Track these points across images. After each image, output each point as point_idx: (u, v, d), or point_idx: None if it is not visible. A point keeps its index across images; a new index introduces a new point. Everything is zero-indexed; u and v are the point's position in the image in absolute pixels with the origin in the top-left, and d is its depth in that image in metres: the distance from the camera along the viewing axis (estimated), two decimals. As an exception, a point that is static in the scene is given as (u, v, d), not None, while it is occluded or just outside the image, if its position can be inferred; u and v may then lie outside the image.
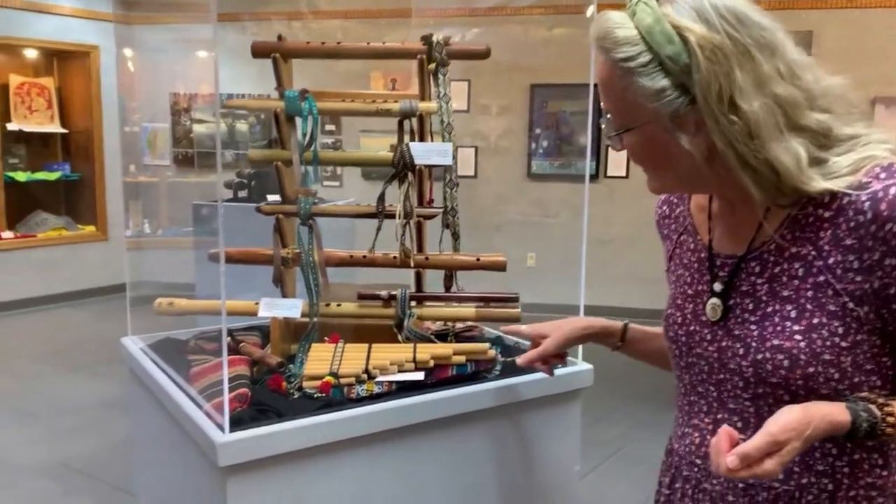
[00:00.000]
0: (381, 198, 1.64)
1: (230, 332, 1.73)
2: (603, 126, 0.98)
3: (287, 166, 1.68)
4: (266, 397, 1.42)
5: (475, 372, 1.55)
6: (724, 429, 0.85)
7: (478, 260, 1.68)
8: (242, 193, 4.70)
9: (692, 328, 1.03)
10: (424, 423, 1.43)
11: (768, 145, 0.86)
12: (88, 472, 3.40)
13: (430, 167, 1.71)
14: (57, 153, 6.99)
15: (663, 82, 0.88)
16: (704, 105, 0.86)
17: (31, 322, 6.09)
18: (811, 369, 0.91)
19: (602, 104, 0.96)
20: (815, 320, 0.91)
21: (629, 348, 1.30)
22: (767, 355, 0.93)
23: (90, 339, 5.47)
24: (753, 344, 0.95)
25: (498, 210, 6.20)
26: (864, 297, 0.89)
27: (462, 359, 1.54)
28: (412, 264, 1.68)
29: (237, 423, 1.28)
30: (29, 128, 6.57)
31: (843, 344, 0.90)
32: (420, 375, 1.48)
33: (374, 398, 1.43)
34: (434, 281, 1.77)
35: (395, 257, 1.67)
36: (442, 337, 1.71)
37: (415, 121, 1.68)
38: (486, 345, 1.60)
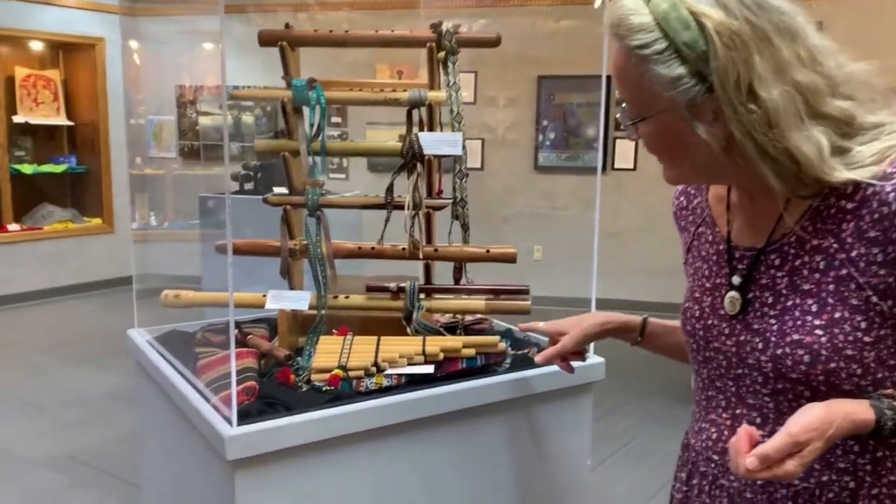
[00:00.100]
0: (390, 188, 1.62)
1: (237, 325, 1.71)
2: (618, 115, 0.95)
3: (294, 157, 1.66)
4: (274, 390, 1.40)
5: (485, 365, 1.53)
6: (744, 428, 0.82)
7: (488, 252, 1.66)
8: (248, 186, 4.69)
9: (710, 322, 1.01)
10: (434, 416, 1.42)
11: (788, 134, 0.84)
12: (94, 465, 3.39)
13: (439, 158, 1.69)
14: (63, 146, 6.99)
15: (679, 70, 0.85)
16: (722, 93, 0.84)
17: (37, 314, 6.10)
18: (832, 365, 0.88)
19: (617, 93, 0.94)
20: (837, 314, 0.88)
21: (648, 343, 1.27)
22: (787, 350, 0.91)
23: (96, 331, 5.47)
24: (773, 338, 0.93)
25: (504, 202, 6.18)
26: (888, 290, 0.86)
27: (472, 352, 1.53)
28: (421, 256, 1.66)
29: (245, 417, 1.27)
30: (35, 120, 6.57)
31: (866, 339, 0.88)
32: (430, 368, 1.47)
33: (383, 391, 1.42)
34: (443, 273, 1.75)
35: (403, 249, 1.65)
36: (451, 330, 1.70)
37: (424, 111, 1.65)
38: (497, 338, 1.58)
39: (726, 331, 0.99)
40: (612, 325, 1.28)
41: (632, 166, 6.05)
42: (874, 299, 0.87)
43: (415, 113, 1.65)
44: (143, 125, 7.00)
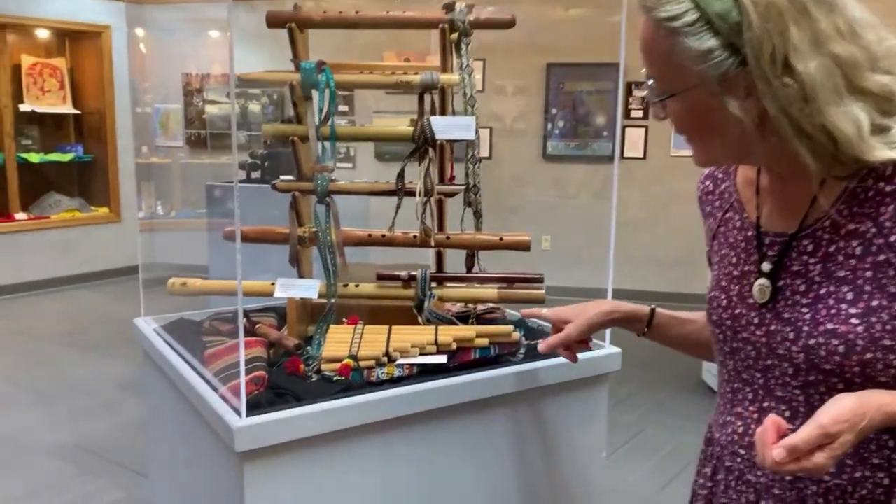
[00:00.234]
0: (401, 174, 1.58)
1: (245, 314, 1.68)
2: (645, 93, 0.91)
3: (303, 142, 1.62)
4: (283, 380, 1.37)
5: (499, 355, 1.49)
6: (771, 418, 0.79)
7: (501, 239, 1.62)
8: (255, 174, 4.66)
9: (738, 311, 0.97)
10: (447, 407, 1.38)
11: (826, 110, 0.79)
12: (102, 454, 3.39)
13: (451, 143, 1.65)
14: (70, 134, 6.97)
15: (711, 42, 0.81)
16: (756, 66, 0.79)
17: (44, 303, 6.10)
18: (869, 355, 0.84)
19: (644, 70, 0.90)
20: (875, 303, 0.84)
21: (655, 334, 1.23)
22: (821, 340, 0.87)
23: (104, 320, 5.47)
24: (805, 328, 0.89)
25: (513, 192, 6.13)
26: None
27: (485, 341, 1.49)
28: (433, 244, 1.62)
29: (254, 407, 1.24)
30: (41, 108, 6.55)
31: None
32: (442, 358, 1.43)
33: (394, 382, 1.38)
34: (454, 261, 1.72)
35: (415, 236, 1.61)
36: (462, 319, 1.66)
37: (436, 95, 1.61)
38: (510, 327, 1.55)
39: (755, 320, 0.95)
40: (619, 315, 1.24)
41: (641, 155, 6.00)
42: None
43: (426, 98, 1.60)
44: (150, 114, 6.97)
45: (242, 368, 1.25)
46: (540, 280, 1.62)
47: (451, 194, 1.66)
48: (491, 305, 1.74)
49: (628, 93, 5.88)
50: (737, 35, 0.79)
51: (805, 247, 0.91)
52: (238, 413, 1.23)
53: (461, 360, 1.45)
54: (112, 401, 4.00)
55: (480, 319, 1.70)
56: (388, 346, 1.43)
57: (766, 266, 0.94)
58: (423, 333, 1.47)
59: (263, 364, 1.43)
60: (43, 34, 6.67)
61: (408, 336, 1.46)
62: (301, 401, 1.29)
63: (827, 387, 0.88)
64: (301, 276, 1.67)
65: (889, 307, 0.84)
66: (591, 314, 1.23)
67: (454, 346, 1.46)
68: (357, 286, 1.62)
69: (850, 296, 0.86)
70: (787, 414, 0.92)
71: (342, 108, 6.29)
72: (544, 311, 1.34)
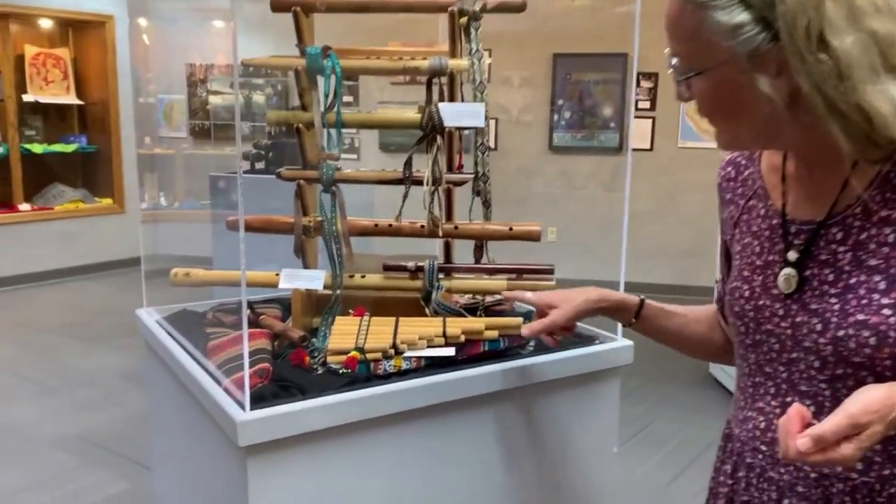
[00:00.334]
0: (409, 163, 1.55)
1: (249, 305, 1.65)
2: (669, 71, 0.87)
3: (308, 129, 1.58)
4: (288, 373, 1.34)
5: (508, 348, 1.46)
6: (795, 407, 0.75)
7: (510, 229, 1.59)
8: (259, 165, 4.63)
9: (761, 302, 0.93)
10: (456, 401, 1.35)
11: (861, 88, 0.75)
12: (105, 445, 3.37)
13: (460, 131, 1.61)
14: (73, 125, 6.94)
15: (742, 16, 0.77)
16: (789, 42, 0.75)
17: (48, 294, 6.08)
18: (901, 347, 0.81)
19: (669, 48, 0.85)
20: None
21: (643, 325, 1.20)
22: (850, 332, 0.83)
23: (107, 311, 5.45)
24: (834, 319, 0.85)
25: (519, 183, 6.08)
26: None
27: (495, 334, 1.45)
28: (441, 234, 1.58)
29: (258, 401, 1.21)
30: (45, 99, 6.52)
31: None
32: (451, 351, 1.40)
33: (401, 374, 1.35)
34: (462, 252, 1.68)
35: (422, 226, 1.57)
36: (471, 311, 1.62)
37: (444, 82, 1.57)
38: (520, 319, 1.51)
39: (780, 311, 0.91)
40: (607, 304, 1.20)
41: (648, 146, 5.94)
42: None
43: (434, 86, 1.56)
44: (154, 104, 6.93)
45: (246, 361, 1.22)
46: (550, 271, 1.58)
47: (460, 183, 1.62)
48: (499, 297, 1.70)
49: (636, 83, 5.83)
50: (769, 9, 0.75)
51: (834, 235, 0.87)
52: (242, 406, 1.19)
53: (470, 352, 1.42)
54: (115, 392, 3.98)
55: (489, 311, 1.66)
56: (395, 338, 1.39)
57: (792, 255, 0.90)
58: (431, 325, 1.44)
59: (268, 356, 1.39)
60: (46, 24, 6.64)
61: (415, 328, 1.43)
62: (306, 394, 1.25)
63: (855, 380, 0.85)
64: (306, 266, 1.64)
65: (924, 298, 0.80)
66: (578, 301, 1.20)
67: (463, 338, 1.42)
68: (363, 277, 1.59)
69: (882, 285, 0.82)
70: (812, 409, 0.88)
71: (346, 98, 6.25)
72: (528, 294, 1.30)
